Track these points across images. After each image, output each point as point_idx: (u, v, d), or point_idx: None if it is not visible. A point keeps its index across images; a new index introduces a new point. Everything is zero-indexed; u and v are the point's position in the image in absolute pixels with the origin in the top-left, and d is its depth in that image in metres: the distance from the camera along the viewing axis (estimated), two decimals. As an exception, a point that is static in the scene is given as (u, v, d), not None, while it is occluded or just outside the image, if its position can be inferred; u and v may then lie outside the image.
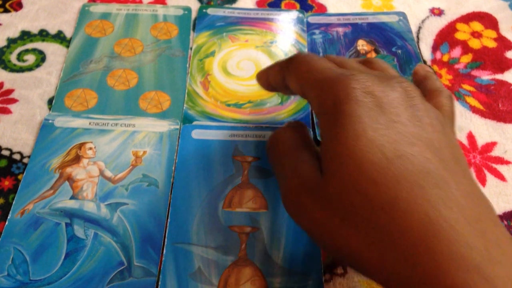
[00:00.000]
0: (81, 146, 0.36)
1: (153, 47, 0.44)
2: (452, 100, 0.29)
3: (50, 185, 0.34)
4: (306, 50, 0.45)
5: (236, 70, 0.43)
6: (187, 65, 0.42)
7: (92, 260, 0.31)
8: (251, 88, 0.41)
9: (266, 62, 0.43)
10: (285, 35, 0.46)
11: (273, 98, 0.41)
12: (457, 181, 0.21)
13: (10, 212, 0.33)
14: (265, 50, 0.44)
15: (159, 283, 0.30)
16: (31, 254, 0.31)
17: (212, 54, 0.44)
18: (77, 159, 0.36)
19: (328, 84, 0.25)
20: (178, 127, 0.38)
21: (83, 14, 0.46)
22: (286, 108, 0.40)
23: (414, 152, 0.22)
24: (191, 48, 0.44)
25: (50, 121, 0.38)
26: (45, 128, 0.37)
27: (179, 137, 0.37)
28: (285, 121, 0.39)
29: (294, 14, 0.47)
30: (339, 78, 0.25)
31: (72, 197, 0.34)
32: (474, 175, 0.36)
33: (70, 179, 0.35)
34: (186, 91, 0.41)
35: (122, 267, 0.31)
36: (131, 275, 0.30)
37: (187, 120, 0.39)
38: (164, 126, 0.38)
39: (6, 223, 0.32)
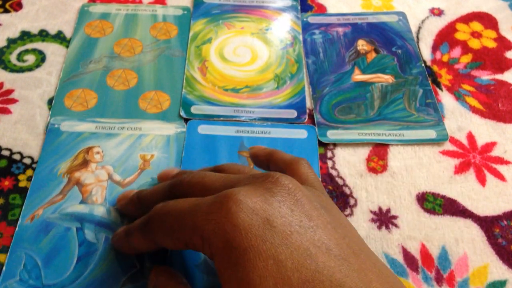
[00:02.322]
0: (88, 150, 0.36)
1: (152, 47, 0.44)
2: (310, 165, 0.28)
3: (59, 190, 0.34)
4: (301, 37, 0.45)
5: (233, 56, 0.43)
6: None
7: (104, 263, 0.31)
8: (248, 74, 0.42)
9: (261, 48, 0.44)
10: (280, 22, 0.46)
11: (270, 83, 0.41)
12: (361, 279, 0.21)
13: (20, 217, 0.32)
14: (261, 37, 0.45)
15: None
16: (42, 259, 0.31)
17: (209, 41, 0.44)
18: (85, 163, 0.35)
19: (209, 221, 0.22)
20: (184, 129, 0.38)
21: (83, 14, 0.46)
22: (282, 92, 0.41)
23: (317, 267, 0.21)
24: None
25: (56, 126, 0.37)
26: (51, 132, 0.37)
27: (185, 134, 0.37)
28: (282, 105, 0.40)
29: (288, 2, 0.48)
30: (216, 207, 0.22)
31: (82, 202, 0.33)
32: (474, 175, 0.37)
33: (78, 183, 0.34)
34: (184, 76, 0.41)
35: (135, 270, 0.30)
36: (144, 278, 0.30)
37: (185, 104, 0.39)
38: (171, 129, 0.38)
39: (16, 228, 0.32)
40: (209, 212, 0.22)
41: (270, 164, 0.31)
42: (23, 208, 0.33)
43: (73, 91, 0.40)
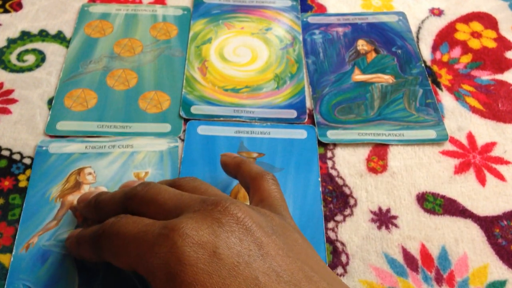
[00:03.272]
0: (79, 171, 0.35)
1: (152, 47, 0.44)
2: (276, 180, 0.28)
3: (53, 215, 0.32)
4: (301, 37, 0.45)
5: (233, 56, 0.43)
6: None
7: None
8: (248, 74, 0.42)
9: (262, 48, 0.44)
10: (280, 22, 0.47)
11: (270, 83, 0.41)
12: None
13: (14, 247, 0.31)
14: (261, 37, 0.45)
15: None
16: None
17: (209, 41, 0.44)
18: (77, 185, 0.34)
19: (154, 253, 0.22)
20: (177, 144, 0.37)
21: (83, 14, 0.46)
22: (282, 92, 0.41)
23: None
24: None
25: (44, 148, 0.36)
26: (40, 155, 0.36)
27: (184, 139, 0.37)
28: (282, 105, 0.40)
29: (288, 2, 0.48)
30: (162, 240, 0.22)
31: (78, 226, 0.32)
32: (474, 175, 0.37)
33: (73, 207, 0.33)
34: (184, 76, 0.41)
35: None
36: None
37: (185, 104, 0.39)
38: (163, 144, 0.37)
39: (12, 259, 0.31)
40: (154, 244, 0.22)
41: (237, 176, 0.31)
42: (16, 237, 0.32)
43: (73, 91, 0.40)
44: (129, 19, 0.46)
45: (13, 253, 0.31)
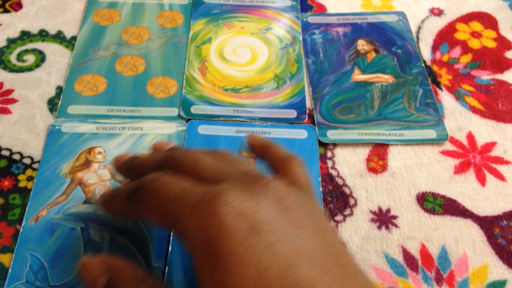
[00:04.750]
0: (90, 150, 0.36)
1: (159, 35, 0.45)
2: (304, 165, 0.28)
3: (62, 190, 0.34)
4: (301, 37, 0.45)
5: (233, 56, 0.44)
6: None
7: None
8: (248, 74, 0.42)
9: (262, 48, 0.44)
10: (280, 22, 0.47)
11: (270, 83, 0.42)
12: None
13: (24, 218, 0.33)
14: (261, 37, 0.45)
15: (166, 270, 0.31)
16: (48, 260, 0.31)
17: (209, 40, 0.45)
18: (87, 163, 0.36)
19: (193, 216, 0.22)
20: (185, 128, 0.38)
21: (91, 3, 0.47)
22: (282, 92, 0.41)
23: (298, 277, 0.20)
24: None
25: (57, 127, 0.38)
26: (53, 134, 0.37)
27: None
28: (282, 105, 0.40)
29: (288, 2, 0.48)
30: (203, 205, 0.21)
31: (86, 202, 0.34)
32: (474, 175, 0.37)
33: (81, 183, 0.35)
34: (184, 76, 0.42)
35: (141, 269, 0.30)
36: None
37: (185, 104, 0.39)
38: (172, 128, 0.38)
39: (21, 230, 0.32)
40: (195, 208, 0.22)
41: (265, 158, 0.30)
42: (26, 209, 0.33)
43: (83, 77, 0.41)
44: (136, 8, 0.47)
45: (22, 224, 0.32)
